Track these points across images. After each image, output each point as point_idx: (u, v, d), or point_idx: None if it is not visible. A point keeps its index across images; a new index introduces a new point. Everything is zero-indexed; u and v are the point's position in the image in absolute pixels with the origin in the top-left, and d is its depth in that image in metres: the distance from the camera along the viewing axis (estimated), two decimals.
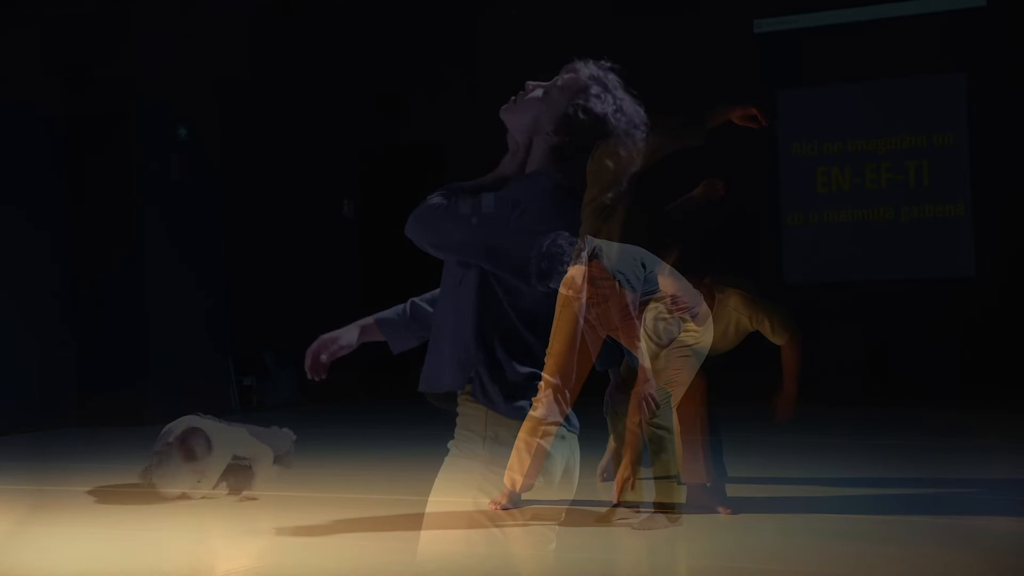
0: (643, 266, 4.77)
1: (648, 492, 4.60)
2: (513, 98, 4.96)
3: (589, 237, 4.86)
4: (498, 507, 4.62)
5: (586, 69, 4.93)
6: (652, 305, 4.69)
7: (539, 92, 4.94)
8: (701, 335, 4.82)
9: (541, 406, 4.53)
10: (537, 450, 4.57)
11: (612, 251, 4.80)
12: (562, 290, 4.49)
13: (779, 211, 11.01)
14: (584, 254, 4.70)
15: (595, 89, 4.84)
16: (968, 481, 5.89)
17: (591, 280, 4.45)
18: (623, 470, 4.69)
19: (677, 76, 10.83)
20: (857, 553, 4.09)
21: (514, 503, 4.61)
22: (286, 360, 11.59)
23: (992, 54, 10.22)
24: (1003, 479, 5.89)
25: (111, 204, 10.22)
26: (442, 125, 11.48)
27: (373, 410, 10.49)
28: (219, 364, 10.86)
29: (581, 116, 4.80)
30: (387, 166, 11.99)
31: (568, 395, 4.55)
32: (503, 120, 4.98)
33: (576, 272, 4.48)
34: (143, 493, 5.41)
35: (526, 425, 4.55)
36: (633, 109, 4.87)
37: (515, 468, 4.57)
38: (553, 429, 4.57)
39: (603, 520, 4.79)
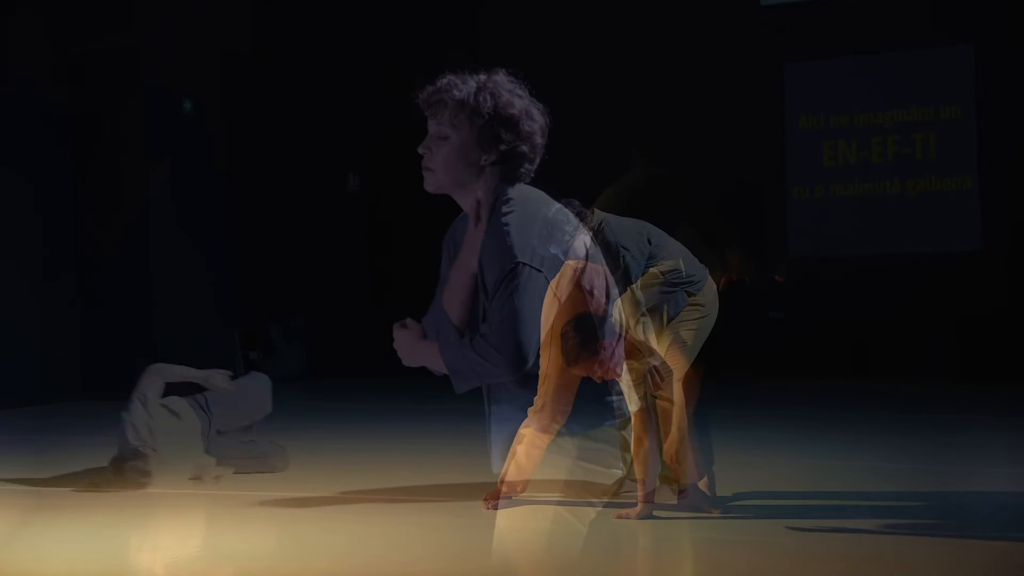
0: (648, 241, 4.77)
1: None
2: (424, 167, 4.76)
3: (597, 210, 4.86)
4: (490, 507, 4.64)
5: (468, 83, 4.70)
6: (654, 277, 4.69)
7: (443, 135, 4.71)
8: (707, 309, 4.81)
9: (541, 416, 4.54)
10: (534, 459, 4.61)
11: (618, 224, 4.80)
12: (553, 284, 4.48)
13: (785, 184, 10.98)
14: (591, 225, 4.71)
15: (486, 94, 4.66)
16: (968, 460, 5.89)
17: (582, 281, 4.44)
18: (632, 445, 4.69)
19: (684, 49, 10.81)
20: (853, 549, 4.08)
21: (507, 504, 4.64)
22: (293, 334, 11.60)
23: (1000, 27, 10.17)
24: (1004, 456, 5.89)
25: (116, 179, 10.22)
26: None
27: (379, 387, 10.47)
28: (225, 338, 10.87)
29: (498, 121, 4.64)
30: (392, 139, 11.95)
31: (568, 400, 4.56)
32: (433, 191, 4.79)
33: (568, 269, 4.47)
34: (137, 493, 5.41)
35: (524, 434, 4.58)
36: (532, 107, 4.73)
37: (512, 475, 4.61)
38: (550, 437, 4.59)
39: (610, 492, 4.80)
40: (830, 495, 5.03)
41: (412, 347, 4.77)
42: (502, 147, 4.65)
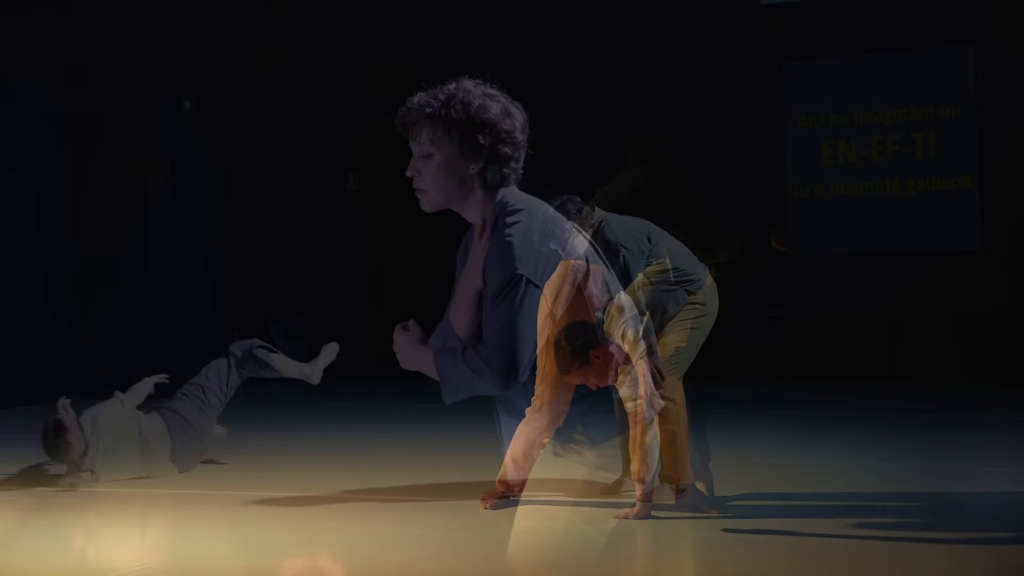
0: (648, 239, 4.78)
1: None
2: (416, 188, 4.73)
3: (597, 208, 4.86)
4: (488, 506, 4.64)
5: (438, 97, 4.65)
6: (655, 276, 4.69)
7: (426, 153, 4.68)
8: (706, 307, 4.81)
9: (539, 416, 4.54)
10: (532, 459, 4.61)
11: (618, 223, 4.80)
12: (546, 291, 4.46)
13: (785, 183, 10.97)
14: (591, 222, 4.71)
15: (457, 104, 4.60)
16: (967, 459, 5.89)
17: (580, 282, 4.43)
18: (630, 444, 4.68)
19: (684, 49, 10.80)
20: (852, 549, 4.07)
21: (505, 504, 4.64)
22: (293, 334, 11.59)
23: (1000, 26, 10.16)
24: (1003, 455, 5.89)
25: (117, 179, 10.22)
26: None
27: (379, 386, 10.45)
28: (225, 337, 10.84)
29: (475, 128, 4.58)
30: (392, 139, 11.94)
31: (565, 400, 4.55)
32: (430, 210, 4.77)
33: (563, 269, 4.46)
34: (135, 492, 5.42)
35: (522, 433, 4.58)
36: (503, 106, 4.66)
37: (509, 474, 4.61)
38: (548, 437, 4.58)
39: (610, 492, 4.80)
40: (830, 495, 5.02)
41: (410, 351, 4.76)
42: (486, 152, 4.63)
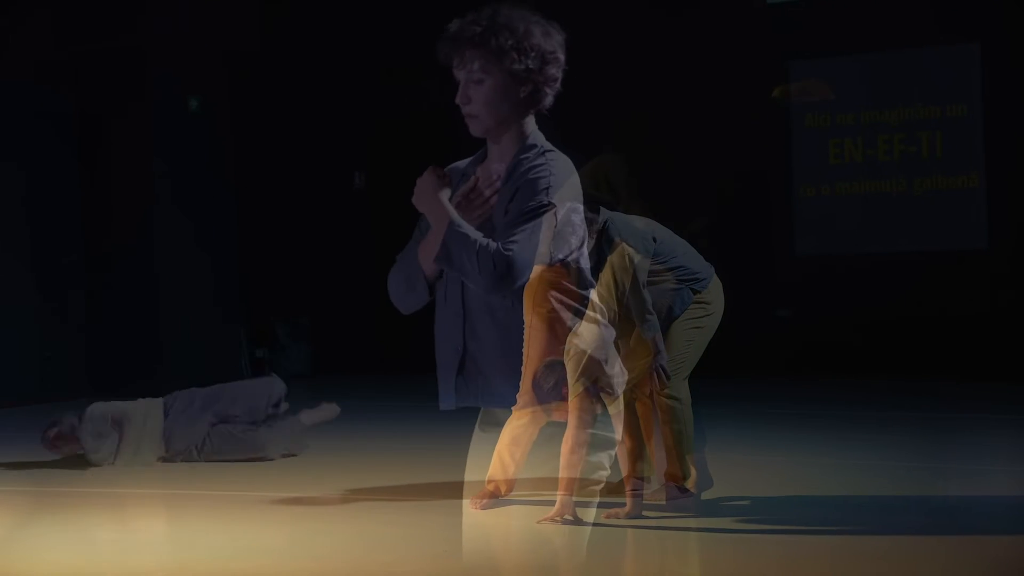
0: (653, 239, 4.78)
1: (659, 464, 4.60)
2: (466, 114, 4.70)
3: (603, 209, 4.87)
4: (479, 506, 4.63)
5: (483, 24, 4.62)
6: (662, 276, 4.70)
7: (477, 79, 4.64)
8: (712, 307, 4.81)
9: (523, 415, 4.53)
10: (519, 459, 4.61)
11: (623, 222, 4.80)
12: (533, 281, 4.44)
13: (791, 182, 10.95)
14: (595, 226, 4.72)
15: (505, 32, 4.57)
16: (969, 458, 5.88)
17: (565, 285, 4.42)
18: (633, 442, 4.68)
19: (690, 48, 10.79)
20: (851, 549, 4.07)
21: (495, 504, 4.64)
22: (299, 333, 11.60)
23: (1006, 25, 10.14)
24: (1004, 455, 5.88)
25: (122, 178, 10.23)
26: (451, 94, 11.38)
27: (384, 384, 10.48)
28: (232, 336, 10.87)
29: (524, 53, 4.56)
30: (397, 137, 11.95)
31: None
32: (481, 134, 4.73)
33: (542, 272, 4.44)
34: (135, 493, 5.43)
35: (507, 435, 4.57)
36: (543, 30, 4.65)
37: (498, 474, 4.60)
38: (533, 435, 4.58)
39: (614, 492, 4.80)
40: (829, 495, 5.01)
41: (431, 196, 4.67)
42: (535, 76, 4.59)
